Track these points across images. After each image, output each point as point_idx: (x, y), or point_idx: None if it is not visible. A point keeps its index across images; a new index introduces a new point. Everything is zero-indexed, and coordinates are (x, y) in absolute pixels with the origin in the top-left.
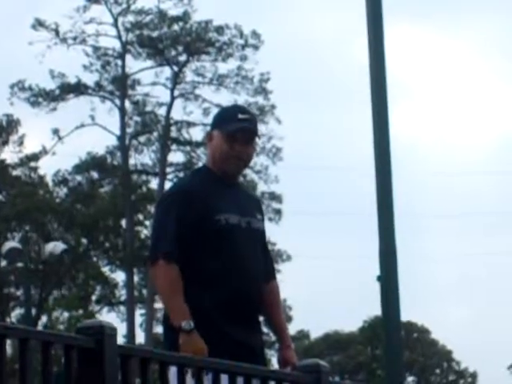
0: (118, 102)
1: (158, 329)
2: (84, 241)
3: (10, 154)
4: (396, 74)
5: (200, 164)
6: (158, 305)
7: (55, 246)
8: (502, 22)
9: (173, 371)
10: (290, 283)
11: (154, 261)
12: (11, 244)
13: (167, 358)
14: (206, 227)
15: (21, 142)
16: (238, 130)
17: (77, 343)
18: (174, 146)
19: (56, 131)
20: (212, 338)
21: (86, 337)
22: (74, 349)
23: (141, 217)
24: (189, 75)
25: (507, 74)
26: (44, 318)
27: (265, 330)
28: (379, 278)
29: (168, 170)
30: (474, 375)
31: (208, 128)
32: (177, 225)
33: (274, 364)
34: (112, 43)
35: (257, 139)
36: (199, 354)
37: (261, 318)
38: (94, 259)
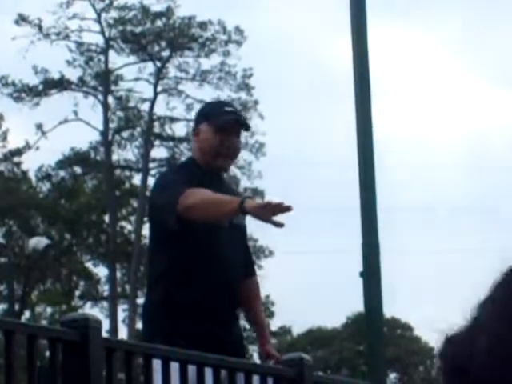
0: (101, 97)
1: (140, 325)
2: (67, 236)
3: None
4: (374, 71)
5: (183, 160)
6: (141, 300)
7: (38, 241)
8: (476, 18)
9: (156, 364)
10: (272, 279)
11: (176, 199)
12: None
13: (152, 351)
14: (187, 221)
15: (4, 137)
16: (228, 121)
17: (62, 336)
18: (157, 142)
19: (39, 126)
20: (192, 334)
21: (70, 330)
22: (58, 342)
23: (124, 212)
24: (172, 71)
25: (479, 69)
26: (27, 313)
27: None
28: (362, 274)
29: (151, 165)
30: None
31: (191, 124)
32: (179, 184)
33: (256, 359)
34: (95, 39)
35: (243, 132)
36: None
37: (239, 312)
38: (78, 254)
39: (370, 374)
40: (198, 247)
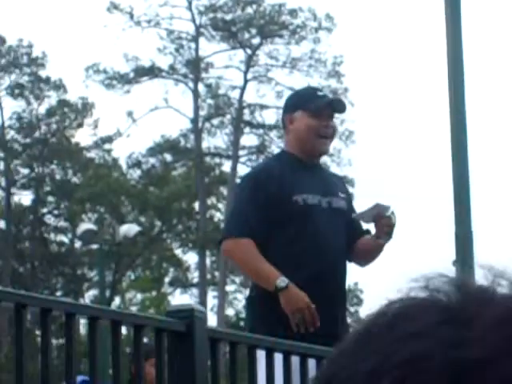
0: (191, 84)
1: (229, 311)
2: (157, 223)
3: (84, 137)
4: (468, 54)
5: (273, 147)
6: (231, 287)
7: (129, 228)
8: None
9: (260, 354)
10: (360, 268)
11: (225, 239)
12: (86, 225)
13: (256, 342)
14: (284, 208)
15: (95, 125)
16: (324, 104)
17: (167, 326)
18: (246, 129)
19: (130, 114)
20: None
21: (176, 320)
22: (164, 332)
23: (214, 199)
24: (262, 58)
25: None
26: (117, 300)
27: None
28: (455, 263)
29: (241, 152)
30: None
31: (281, 111)
32: (253, 209)
33: None
34: (186, 26)
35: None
36: (303, 307)
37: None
38: (167, 241)
39: None
40: (296, 234)
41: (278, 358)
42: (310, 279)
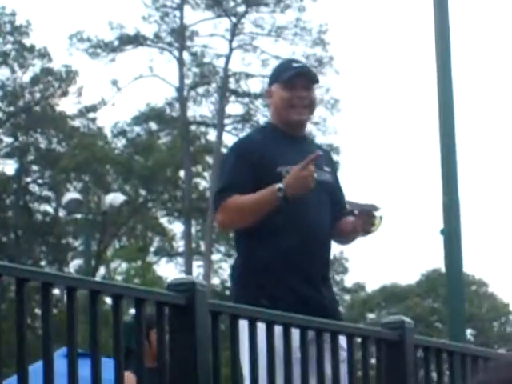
0: (176, 53)
1: (215, 280)
2: (142, 192)
3: (69, 105)
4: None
5: (258, 116)
6: (216, 256)
7: (115, 198)
8: None
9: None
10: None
11: (216, 212)
12: (71, 195)
13: (256, 314)
14: (269, 181)
15: (79, 93)
16: (294, 74)
17: (168, 300)
18: (232, 98)
19: (115, 82)
20: (278, 293)
21: (177, 293)
22: (165, 305)
23: (199, 168)
24: (247, 26)
25: None
26: (102, 269)
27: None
28: (442, 232)
29: (226, 121)
30: None
31: (266, 80)
32: (239, 176)
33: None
34: None
35: (316, 85)
36: (306, 178)
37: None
38: (153, 210)
39: (448, 331)
40: (283, 208)
41: (262, 327)
42: (293, 250)
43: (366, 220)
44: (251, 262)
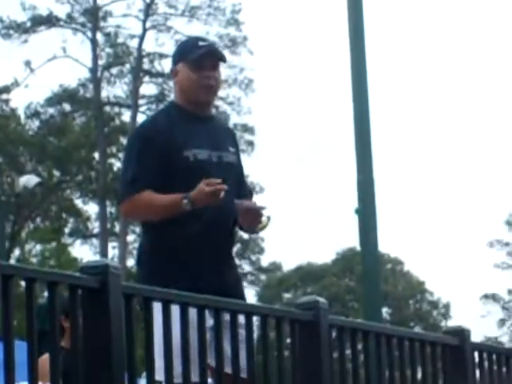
0: (89, 33)
1: (130, 261)
2: (56, 173)
3: None
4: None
5: (172, 96)
6: (131, 237)
7: (29, 179)
8: None
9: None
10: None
11: (121, 203)
12: None
13: (171, 297)
14: (175, 165)
15: None
16: (202, 55)
17: (81, 283)
18: (146, 78)
19: (28, 63)
20: (182, 280)
21: (90, 276)
22: (78, 288)
23: (114, 149)
24: (161, 7)
25: None
26: (17, 251)
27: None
28: (357, 211)
29: (140, 101)
30: (446, 305)
31: None
32: (144, 164)
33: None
34: None
35: (221, 64)
36: (211, 195)
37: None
38: (67, 192)
39: (364, 310)
40: (190, 189)
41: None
42: (199, 235)
43: (252, 218)
44: (157, 247)
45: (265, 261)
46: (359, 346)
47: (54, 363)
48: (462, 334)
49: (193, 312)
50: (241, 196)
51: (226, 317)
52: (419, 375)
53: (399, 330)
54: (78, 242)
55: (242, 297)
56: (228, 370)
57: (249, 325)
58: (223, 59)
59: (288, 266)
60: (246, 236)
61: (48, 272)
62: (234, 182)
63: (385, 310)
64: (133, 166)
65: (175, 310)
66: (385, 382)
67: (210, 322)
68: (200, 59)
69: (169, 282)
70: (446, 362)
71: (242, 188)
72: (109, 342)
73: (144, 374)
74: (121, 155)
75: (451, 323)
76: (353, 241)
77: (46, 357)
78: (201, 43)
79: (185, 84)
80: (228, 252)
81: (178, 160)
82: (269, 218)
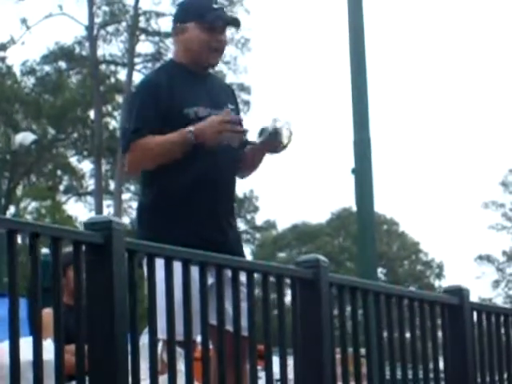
0: None
1: (125, 219)
2: (52, 131)
3: None
4: None
5: (169, 55)
6: (126, 196)
7: (25, 137)
8: None
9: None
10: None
11: (125, 152)
12: None
13: (173, 253)
14: (175, 122)
15: None
16: (218, 18)
17: (85, 239)
18: (142, 37)
19: (24, 21)
20: (183, 237)
21: (94, 232)
22: (82, 244)
23: (109, 107)
24: None
25: None
26: (12, 208)
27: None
28: (354, 171)
29: (136, 60)
30: (440, 266)
31: None
32: (147, 115)
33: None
34: None
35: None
36: (215, 124)
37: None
38: (62, 150)
39: (359, 270)
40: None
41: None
42: (200, 190)
43: (272, 144)
44: (156, 205)
45: (259, 219)
46: (358, 305)
47: (57, 319)
48: (460, 293)
49: (193, 270)
50: (242, 155)
51: (227, 275)
52: (418, 334)
53: (398, 288)
54: (73, 199)
55: (241, 255)
56: (229, 327)
57: (250, 282)
58: (239, 26)
59: (283, 225)
60: (240, 195)
61: (52, 227)
62: None
63: (379, 271)
64: (135, 116)
65: (177, 266)
66: (384, 340)
67: (210, 280)
68: (216, 22)
69: (170, 239)
70: (444, 322)
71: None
72: (112, 298)
73: (145, 331)
74: (116, 114)
75: (445, 284)
76: (348, 201)
77: (47, 311)
78: (215, 5)
79: (194, 44)
80: (229, 211)
81: (179, 117)
82: (291, 133)
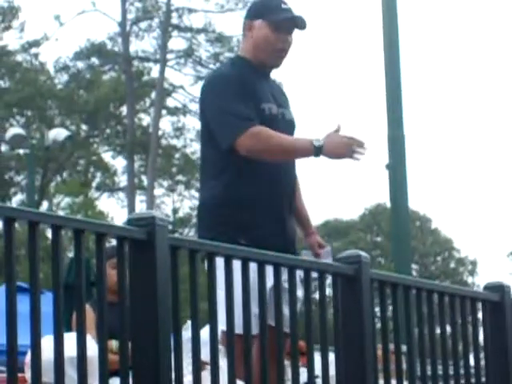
0: None
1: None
2: (84, 127)
3: (11, 40)
4: None
5: (201, 51)
6: (158, 191)
7: (58, 133)
8: None
9: (219, 261)
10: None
11: (234, 142)
12: (15, 130)
13: (215, 249)
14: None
15: (21, 29)
16: (286, 20)
17: (129, 234)
18: (174, 33)
19: (57, 17)
20: (252, 231)
21: (138, 228)
22: (126, 240)
23: (142, 104)
24: None
25: None
26: (45, 204)
27: None
28: (388, 166)
29: (169, 56)
30: (474, 263)
31: (209, 15)
32: (241, 102)
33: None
34: None
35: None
36: (348, 144)
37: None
38: (95, 146)
39: (394, 266)
40: None
41: (237, 265)
42: (262, 191)
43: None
44: (221, 200)
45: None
46: (399, 301)
47: (101, 315)
48: (502, 289)
49: (237, 265)
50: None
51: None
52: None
53: (440, 285)
54: (105, 195)
55: (294, 247)
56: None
57: (307, 280)
58: (305, 27)
59: (315, 221)
60: None
61: (96, 223)
62: None
63: (413, 267)
64: (236, 105)
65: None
66: (425, 337)
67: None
68: (284, 23)
69: (229, 237)
70: (486, 318)
71: None
72: (155, 295)
73: (185, 326)
74: (150, 110)
75: (478, 280)
76: (383, 197)
77: (88, 307)
78: (284, 6)
79: (261, 42)
80: (288, 211)
81: (258, 112)
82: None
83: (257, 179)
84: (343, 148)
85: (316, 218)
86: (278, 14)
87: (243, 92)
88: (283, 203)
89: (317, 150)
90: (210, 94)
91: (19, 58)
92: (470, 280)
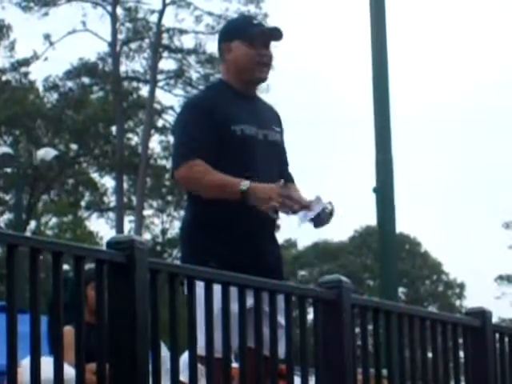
0: (109, 8)
1: (146, 236)
2: (73, 147)
3: (1, 59)
4: None
5: (191, 72)
6: (148, 212)
7: (47, 152)
8: None
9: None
10: None
11: (177, 168)
12: (3, 149)
13: (195, 273)
14: (223, 138)
15: (12, 47)
16: (261, 32)
17: (108, 258)
18: (165, 54)
19: (47, 37)
20: (226, 254)
21: (116, 251)
22: (104, 263)
23: (131, 124)
24: None
25: None
26: (33, 224)
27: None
28: (375, 190)
29: (159, 77)
30: (461, 286)
31: (199, 36)
32: (200, 131)
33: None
34: None
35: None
36: (272, 193)
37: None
38: (84, 165)
39: (381, 288)
40: (232, 164)
41: (217, 288)
42: (242, 211)
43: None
44: (199, 222)
45: (280, 238)
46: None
47: (79, 338)
48: (483, 315)
49: (217, 289)
50: (283, 178)
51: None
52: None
53: (421, 310)
54: (94, 215)
55: (280, 274)
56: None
57: (272, 302)
58: (281, 37)
59: (304, 243)
60: None
61: (75, 246)
62: (277, 161)
63: (400, 290)
64: (190, 133)
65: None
66: (406, 361)
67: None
68: (258, 36)
69: (210, 257)
70: (467, 343)
71: (284, 169)
72: (134, 317)
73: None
74: (139, 130)
75: (466, 303)
76: (371, 219)
77: (68, 328)
78: (255, 21)
79: (241, 61)
80: (270, 232)
81: (227, 134)
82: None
83: (233, 202)
84: (268, 193)
85: (305, 240)
86: (251, 30)
87: (207, 118)
88: (260, 227)
89: (243, 193)
90: (176, 120)
91: (9, 76)
92: (458, 303)
